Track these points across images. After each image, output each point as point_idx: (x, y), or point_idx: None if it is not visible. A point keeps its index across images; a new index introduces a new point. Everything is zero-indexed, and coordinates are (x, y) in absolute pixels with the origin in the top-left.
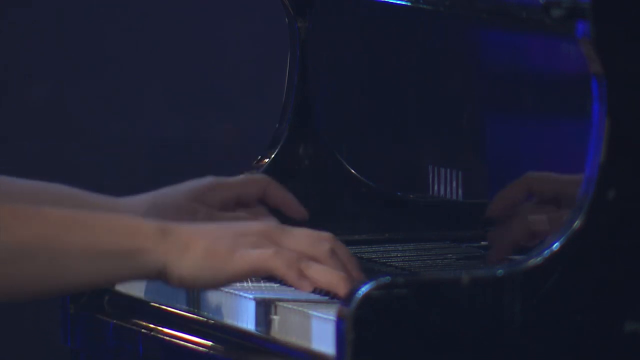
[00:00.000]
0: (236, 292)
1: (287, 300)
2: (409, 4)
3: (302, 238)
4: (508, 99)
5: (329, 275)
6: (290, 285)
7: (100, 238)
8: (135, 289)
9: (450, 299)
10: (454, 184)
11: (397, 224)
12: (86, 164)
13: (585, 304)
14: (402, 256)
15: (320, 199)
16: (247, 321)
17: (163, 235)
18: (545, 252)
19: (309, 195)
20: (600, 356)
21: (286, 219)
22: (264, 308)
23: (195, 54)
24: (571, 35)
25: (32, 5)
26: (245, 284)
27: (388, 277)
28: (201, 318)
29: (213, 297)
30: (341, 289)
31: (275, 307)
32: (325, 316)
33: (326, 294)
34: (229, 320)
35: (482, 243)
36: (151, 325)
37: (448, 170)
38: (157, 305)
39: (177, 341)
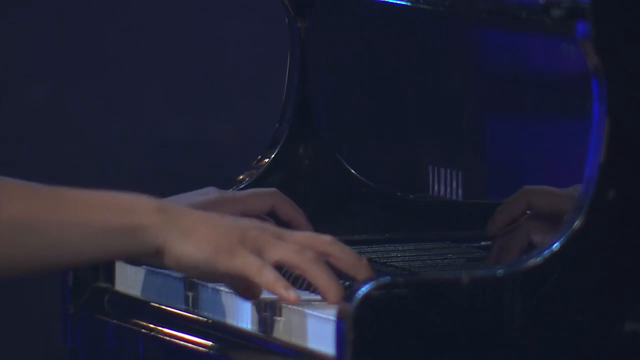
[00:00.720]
0: None
1: None
2: (409, 4)
3: (289, 246)
4: (508, 99)
5: (320, 281)
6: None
7: (97, 213)
8: (135, 289)
9: (450, 299)
10: (454, 184)
11: (397, 224)
12: (86, 164)
13: (585, 304)
14: (402, 256)
15: (320, 199)
16: (246, 321)
17: (162, 213)
18: (545, 252)
19: (309, 195)
20: (600, 356)
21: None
22: (264, 308)
23: (195, 54)
24: (571, 35)
25: (32, 5)
26: None
27: (388, 277)
28: (201, 318)
29: (213, 297)
30: (331, 296)
31: (275, 307)
32: (325, 316)
33: None
34: (228, 320)
35: (482, 243)
36: (151, 325)
37: (448, 170)
38: (157, 305)
39: (177, 341)
